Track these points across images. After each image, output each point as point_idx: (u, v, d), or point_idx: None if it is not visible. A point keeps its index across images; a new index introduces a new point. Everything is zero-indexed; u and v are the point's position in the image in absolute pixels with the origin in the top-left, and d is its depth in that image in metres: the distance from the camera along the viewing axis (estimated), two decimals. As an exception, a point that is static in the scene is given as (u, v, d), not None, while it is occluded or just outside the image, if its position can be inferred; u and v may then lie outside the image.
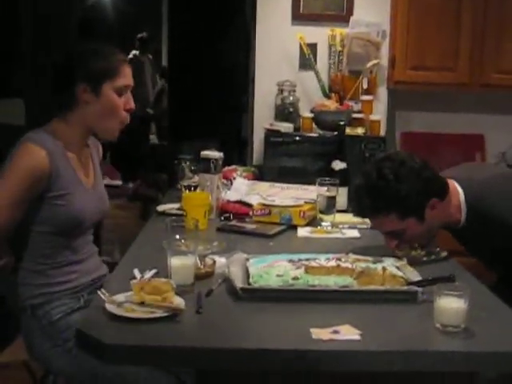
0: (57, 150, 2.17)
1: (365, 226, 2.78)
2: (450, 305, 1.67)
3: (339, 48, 3.70)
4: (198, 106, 7.19)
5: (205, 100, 7.09)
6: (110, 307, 1.71)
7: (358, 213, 2.42)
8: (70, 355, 2.11)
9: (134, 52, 8.46)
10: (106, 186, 7.42)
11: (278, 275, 1.93)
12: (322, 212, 2.81)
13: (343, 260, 2.04)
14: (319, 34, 3.75)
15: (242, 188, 3.14)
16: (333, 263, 2.00)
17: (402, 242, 2.29)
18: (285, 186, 3.11)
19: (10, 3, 6.28)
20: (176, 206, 2.92)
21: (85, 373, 2.09)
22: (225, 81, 6.71)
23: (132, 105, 2.29)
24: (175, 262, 1.90)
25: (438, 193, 2.27)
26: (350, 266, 1.99)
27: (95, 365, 1.81)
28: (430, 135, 4.12)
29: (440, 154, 4.05)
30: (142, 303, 1.72)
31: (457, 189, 2.33)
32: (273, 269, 1.98)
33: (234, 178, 3.30)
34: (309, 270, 1.97)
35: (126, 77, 2.26)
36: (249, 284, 1.89)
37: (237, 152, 5.17)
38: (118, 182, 8.69)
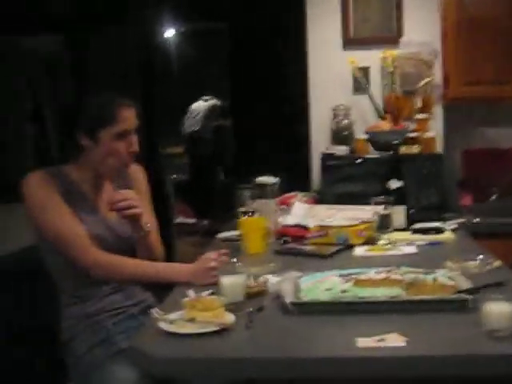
0: (71, 184, 2.32)
1: (423, 243, 2.79)
2: (498, 309, 1.66)
3: (391, 69, 3.73)
4: (261, 140, 7.31)
5: (267, 134, 7.20)
6: (162, 324, 1.77)
7: None
8: None
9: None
10: (181, 224, 7.48)
11: (327, 289, 1.96)
12: (378, 230, 2.83)
13: (393, 272, 2.06)
14: (371, 57, 3.79)
15: (299, 212, 3.19)
16: (382, 275, 2.02)
17: None
18: (342, 207, 3.14)
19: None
20: (236, 232, 2.98)
21: None
22: (286, 113, 6.79)
23: (135, 148, 2.33)
24: (225, 280, 1.95)
25: None
26: (399, 277, 2.00)
27: None
28: (493, 151, 4.07)
29: (504, 170, 4.01)
30: (192, 320, 1.78)
31: None
32: (323, 283, 2.01)
33: (293, 204, 3.35)
34: (358, 282, 1.99)
35: (125, 121, 2.30)
36: (298, 298, 1.92)
37: (301, 181, 5.22)
38: (192, 220, 8.87)
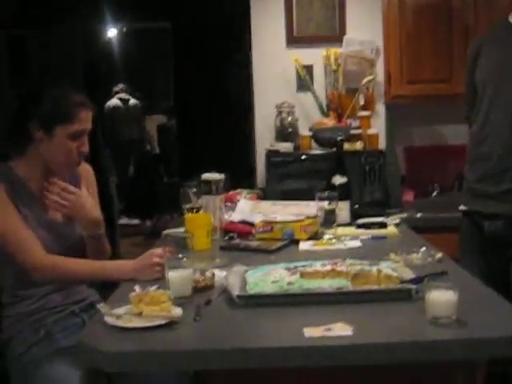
0: (17, 181, 2.27)
1: (366, 237, 2.83)
2: (440, 297, 1.70)
3: (334, 67, 3.77)
4: (206, 139, 7.31)
5: (212, 133, 7.21)
6: (108, 319, 1.76)
7: None
8: None
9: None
10: (124, 225, 7.49)
11: (273, 281, 1.98)
12: (323, 226, 2.86)
13: (339, 264, 2.08)
14: (314, 55, 3.83)
15: (245, 209, 3.20)
16: (328, 268, 2.04)
17: None
18: (287, 203, 3.16)
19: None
20: (181, 229, 2.97)
21: None
22: (230, 112, 6.82)
23: (86, 149, 2.32)
24: (172, 274, 1.95)
25: None
26: (344, 269, 2.03)
27: None
28: (433, 148, 4.16)
29: (445, 166, 4.09)
30: (140, 314, 1.77)
31: None
32: (269, 276, 2.02)
33: (238, 201, 3.37)
34: (304, 274, 2.00)
35: (82, 122, 2.28)
36: (245, 291, 1.93)
37: (246, 179, 5.23)
38: (136, 221, 8.84)
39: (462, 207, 2.82)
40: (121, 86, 8.91)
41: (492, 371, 2.59)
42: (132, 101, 9.02)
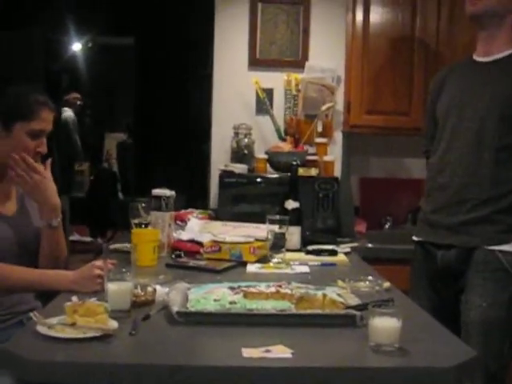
0: None
1: (315, 263, 2.79)
2: (384, 323, 1.67)
3: (295, 92, 3.76)
4: (163, 159, 7.25)
5: (170, 152, 7.15)
6: (40, 328, 1.68)
7: None
8: None
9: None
10: (75, 241, 7.27)
11: (215, 300, 1.92)
12: (272, 249, 2.81)
13: (283, 287, 2.04)
14: (275, 79, 3.82)
15: (194, 228, 3.15)
16: (272, 289, 2.00)
17: None
18: (237, 224, 3.12)
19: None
20: (128, 244, 2.91)
21: None
22: (190, 132, 6.78)
23: (44, 149, 2.30)
24: (111, 286, 1.88)
25: None
26: (289, 291, 1.99)
27: None
28: (388, 180, 4.15)
29: (399, 200, 4.08)
30: (73, 324, 1.70)
31: None
32: (211, 294, 1.97)
33: (189, 220, 3.31)
34: (247, 295, 1.96)
35: (42, 121, 2.27)
36: (186, 308, 1.87)
37: (201, 199, 5.18)
38: (87, 239, 8.69)
39: (415, 238, 2.80)
40: (74, 94, 8.58)
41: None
42: (65, 114, 8.50)
